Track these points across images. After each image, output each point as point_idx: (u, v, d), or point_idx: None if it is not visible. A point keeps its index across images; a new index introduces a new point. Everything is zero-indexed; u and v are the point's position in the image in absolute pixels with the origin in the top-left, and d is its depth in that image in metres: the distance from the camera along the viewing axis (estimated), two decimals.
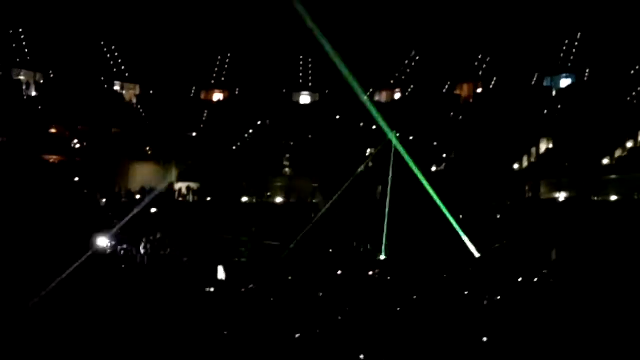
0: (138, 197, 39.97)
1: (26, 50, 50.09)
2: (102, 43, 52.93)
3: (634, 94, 46.17)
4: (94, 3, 49.46)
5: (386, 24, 51.98)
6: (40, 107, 47.16)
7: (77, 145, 45.09)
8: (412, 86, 54.62)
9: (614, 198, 36.67)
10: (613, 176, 38.59)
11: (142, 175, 42.62)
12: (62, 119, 46.20)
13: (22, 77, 49.79)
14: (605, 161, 40.83)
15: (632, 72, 48.38)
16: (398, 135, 45.35)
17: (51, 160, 42.67)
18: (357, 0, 51.33)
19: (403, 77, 55.42)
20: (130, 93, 53.63)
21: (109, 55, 53.41)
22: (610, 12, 47.77)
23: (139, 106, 52.35)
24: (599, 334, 18.27)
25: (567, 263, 28.95)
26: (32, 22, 48.66)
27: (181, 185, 42.64)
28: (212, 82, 55.98)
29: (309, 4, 51.53)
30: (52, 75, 50.38)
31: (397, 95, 55.41)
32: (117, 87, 53.45)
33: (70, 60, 50.07)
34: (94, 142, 44.89)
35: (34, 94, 49.42)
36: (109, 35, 52.75)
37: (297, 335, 16.77)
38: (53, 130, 45.59)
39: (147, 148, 45.74)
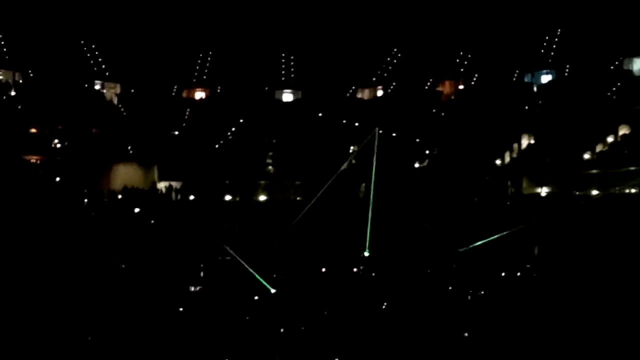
0: (120, 197, 39.74)
1: (4, 50, 49.51)
2: (82, 42, 52.46)
3: (613, 89, 46.60)
4: (74, 2, 49.03)
5: (368, 21, 52.02)
6: (19, 107, 46.65)
7: (58, 145, 44.67)
8: (394, 83, 54.74)
9: (595, 193, 37.01)
10: (594, 171, 38.97)
11: (124, 174, 42.34)
12: (42, 119, 45.75)
13: (0, 77, 49.23)
14: (587, 156, 41.21)
15: (612, 67, 48.83)
16: (381, 132, 45.46)
17: (32, 160, 42.26)
18: None
19: (385, 75, 55.52)
20: (111, 92, 53.21)
21: (89, 54, 52.95)
22: (589, 7, 48.16)
23: (120, 105, 51.98)
24: (581, 328, 18.43)
25: (550, 258, 29.18)
26: (10, 21, 48.10)
27: (164, 185, 42.41)
28: (194, 80, 55.70)
29: (291, 1, 51.60)
30: (31, 75, 49.86)
31: (380, 93, 55.51)
32: (97, 86, 53.01)
33: (50, 59, 49.58)
34: (75, 141, 44.50)
35: (13, 93, 48.87)
36: (89, 34, 52.29)
37: (281, 331, 16.76)
38: (33, 130, 45.14)
39: (129, 147, 45.42)
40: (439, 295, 24.01)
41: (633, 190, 35.94)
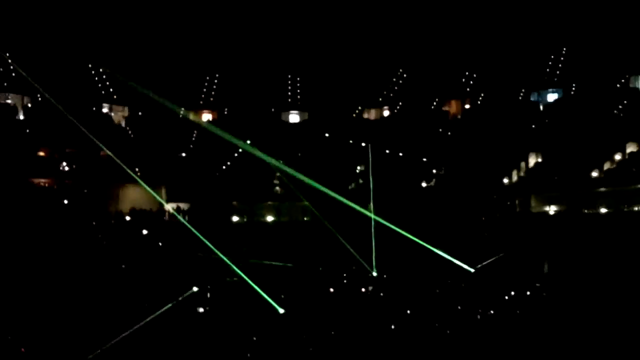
0: (128, 218, 39.77)
1: (13, 74, 49.95)
2: (90, 65, 52.93)
3: (620, 106, 46.55)
4: (82, 26, 49.54)
5: (374, 41, 52.32)
6: (28, 130, 46.93)
7: (66, 168, 44.84)
8: (400, 103, 54.86)
9: (603, 211, 36.82)
10: (602, 189, 38.77)
11: (132, 196, 42.34)
12: (51, 142, 45.97)
13: (9, 101, 49.62)
14: (595, 174, 41.03)
15: (618, 85, 48.84)
16: (388, 152, 45.53)
17: (40, 184, 42.39)
18: (345, 18, 51.67)
19: (391, 95, 55.67)
20: (119, 115, 53.53)
21: (97, 78, 53.39)
22: (594, 26, 48.33)
23: (128, 128, 52.25)
24: (591, 344, 18.28)
25: (560, 276, 29.01)
26: (19, 46, 48.58)
27: (171, 206, 42.41)
28: (201, 102, 56.00)
29: (298, 23, 51.97)
30: (40, 99, 50.24)
31: (386, 113, 55.63)
32: (105, 110, 53.34)
33: (58, 83, 49.91)
34: (83, 164, 44.66)
35: (21, 117, 49.24)
36: (97, 58, 52.77)
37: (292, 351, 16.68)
38: (41, 154, 45.35)
39: (137, 169, 45.52)
40: (448, 314, 23.87)
41: None
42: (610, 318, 21.18)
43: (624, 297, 23.71)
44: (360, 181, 41.72)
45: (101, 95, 52.99)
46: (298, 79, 56.69)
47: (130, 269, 27.99)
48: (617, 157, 41.94)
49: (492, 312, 24.15)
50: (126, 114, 53.69)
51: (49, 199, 39.91)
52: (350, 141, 48.51)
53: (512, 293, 26.74)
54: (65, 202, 40.23)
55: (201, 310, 22.19)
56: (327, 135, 50.44)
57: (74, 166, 45.01)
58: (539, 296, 26.90)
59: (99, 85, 53.26)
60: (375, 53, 52.91)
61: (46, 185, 42.66)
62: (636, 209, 36.05)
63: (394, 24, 51.89)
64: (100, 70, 53.31)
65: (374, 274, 28.19)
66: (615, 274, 27.06)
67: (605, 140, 42.16)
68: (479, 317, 23.79)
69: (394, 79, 55.86)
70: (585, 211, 37.57)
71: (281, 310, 20.67)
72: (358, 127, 51.94)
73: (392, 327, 21.90)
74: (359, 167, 45.06)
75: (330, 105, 53.39)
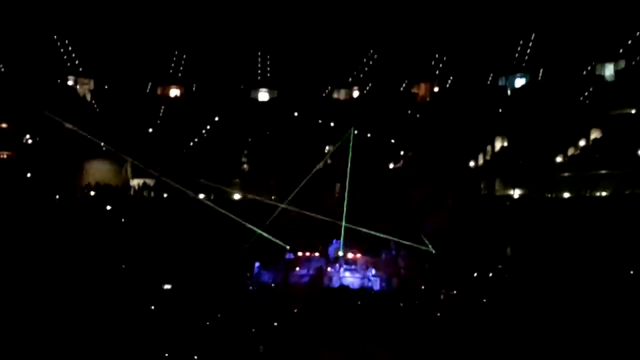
0: (92, 193, 39.26)
1: None
2: (56, 36, 51.79)
3: (586, 93, 47.18)
4: None
5: (345, 22, 52.15)
6: None
7: (29, 141, 43.99)
8: (370, 84, 54.88)
9: (566, 195, 37.40)
10: (566, 174, 39.33)
11: (97, 171, 41.80)
12: (13, 114, 44.98)
13: None
14: (559, 159, 41.60)
15: (584, 72, 49.47)
16: (356, 132, 45.44)
17: (1, 156, 41.56)
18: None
19: (361, 76, 55.65)
20: (84, 88, 52.55)
21: (62, 49, 52.29)
22: (563, 13, 48.81)
23: (93, 101, 51.38)
24: (551, 326, 18.67)
25: (521, 258, 29.48)
26: None
27: (137, 182, 41.94)
28: (169, 77, 55.27)
29: (271, 2, 51.55)
30: (2, 69, 49.07)
31: (355, 93, 55.62)
32: (70, 82, 52.33)
33: (23, 54, 48.83)
34: (47, 137, 43.84)
35: None
36: (63, 29, 51.66)
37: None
38: (3, 125, 44.39)
39: (102, 144, 44.84)
40: (411, 295, 24.17)
41: (603, 193, 36.42)
42: (569, 300, 21.63)
43: (583, 280, 24.24)
44: (329, 161, 41.70)
45: (66, 67, 51.94)
46: (268, 56, 56.29)
47: (93, 244, 27.69)
48: (582, 143, 42.54)
49: (454, 292, 24.54)
50: (92, 87, 52.74)
51: (10, 172, 39.17)
52: (320, 121, 48.46)
53: (475, 274, 27.15)
54: (28, 175, 39.50)
55: (167, 287, 22.13)
56: (296, 114, 50.27)
57: (37, 139, 44.15)
58: (501, 278, 27.36)
59: (65, 56, 52.19)
60: (347, 33, 52.76)
61: (7, 157, 41.83)
62: (598, 194, 36.70)
63: (366, 4, 51.77)
64: (66, 41, 52.21)
65: (340, 253, 28.35)
66: (575, 258, 27.58)
67: (570, 126, 42.71)
68: (441, 297, 24.16)
69: (364, 60, 55.81)
70: (549, 195, 38.12)
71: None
72: (327, 107, 51.86)
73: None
74: (327, 147, 45.05)
75: (300, 84, 53.19)
